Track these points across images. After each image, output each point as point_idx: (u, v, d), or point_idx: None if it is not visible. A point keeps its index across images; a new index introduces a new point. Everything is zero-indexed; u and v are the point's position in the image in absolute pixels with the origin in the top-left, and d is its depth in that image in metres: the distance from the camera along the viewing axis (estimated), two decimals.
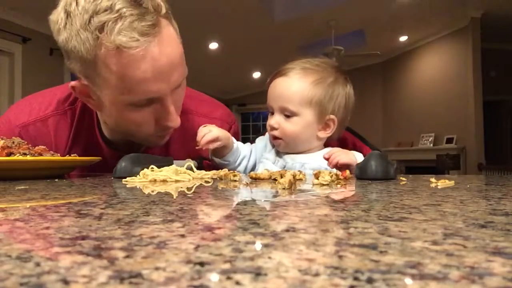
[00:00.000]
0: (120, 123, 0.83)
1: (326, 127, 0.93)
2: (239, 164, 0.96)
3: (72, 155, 0.78)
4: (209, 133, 0.85)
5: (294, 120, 0.91)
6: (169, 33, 0.75)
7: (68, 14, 0.70)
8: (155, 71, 0.72)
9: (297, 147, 0.94)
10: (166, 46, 0.73)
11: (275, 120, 0.93)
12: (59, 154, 0.78)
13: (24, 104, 0.97)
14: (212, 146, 0.86)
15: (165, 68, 0.73)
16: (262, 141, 1.01)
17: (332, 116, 0.91)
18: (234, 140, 0.94)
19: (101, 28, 0.67)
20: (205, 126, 0.87)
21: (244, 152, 0.97)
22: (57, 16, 0.72)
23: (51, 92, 0.97)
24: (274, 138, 0.94)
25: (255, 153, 1.00)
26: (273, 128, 0.93)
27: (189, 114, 0.98)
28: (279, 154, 0.96)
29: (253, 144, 1.03)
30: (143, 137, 0.86)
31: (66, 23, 0.70)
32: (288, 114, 0.91)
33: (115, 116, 0.81)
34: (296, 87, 0.91)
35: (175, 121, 0.82)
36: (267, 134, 1.02)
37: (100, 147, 0.93)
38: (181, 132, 0.92)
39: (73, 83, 0.79)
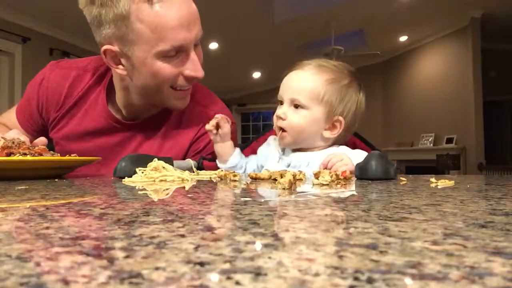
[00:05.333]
0: (149, 81, 0.87)
1: (333, 128, 0.92)
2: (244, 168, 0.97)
3: (72, 155, 0.78)
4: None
5: (302, 113, 0.91)
6: None
7: None
8: (181, 19, 0.82)
9: (301, 143, 0.93)
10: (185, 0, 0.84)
11: (282, 110, 0.92)
12: (58, 154, 0.78)
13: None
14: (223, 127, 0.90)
15: (188, 17, 0.83)
16: (264, 146, 1.01)
17: (340, 118, 0.91)
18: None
19: None
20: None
21: (247, 158, 0.99)
22: None
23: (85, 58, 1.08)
24: (279, 130, 0.93)
25: (256, 160, 1.00)
26: (279, 118, 0.92)
27: (193, 101, 1.02)
28: (283, 152, 0.96)
29: (255, 155, 1.03)
30: (167, 97, 0.91)
31: None
32: (298, 105, 0.91)
33: (145, 74, 0.86)
34: (310, 81, 0.91)
35: (200, 71, 0.88)
36: (269, 138, 1.03)
37: (102, 111, 0.99)
38: (180, 116, 1.00)
39: (106, 46, 0.85)
